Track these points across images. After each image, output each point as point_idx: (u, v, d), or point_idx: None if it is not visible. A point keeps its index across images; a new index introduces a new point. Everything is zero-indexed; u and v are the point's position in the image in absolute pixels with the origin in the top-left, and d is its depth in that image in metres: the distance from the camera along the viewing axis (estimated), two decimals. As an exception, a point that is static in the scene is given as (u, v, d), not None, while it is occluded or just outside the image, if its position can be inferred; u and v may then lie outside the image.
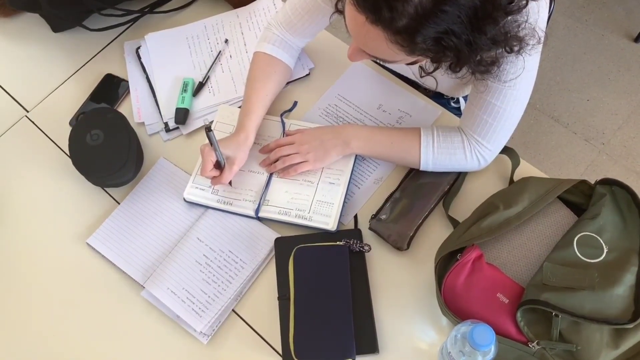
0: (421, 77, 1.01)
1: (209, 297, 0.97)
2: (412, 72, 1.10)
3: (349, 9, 0.74)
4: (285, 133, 1.10)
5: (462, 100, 1.28)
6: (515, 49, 0.78)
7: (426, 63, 0.98)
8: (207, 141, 0.98)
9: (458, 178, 1.03)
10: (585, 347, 0.82)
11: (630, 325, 0.79)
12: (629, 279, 0.83)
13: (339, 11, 0.89)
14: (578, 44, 2.22)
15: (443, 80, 1.05)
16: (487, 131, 0.96)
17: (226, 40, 1.18)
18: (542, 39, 0.83)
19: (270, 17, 1.21)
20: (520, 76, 0.87)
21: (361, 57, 0.84)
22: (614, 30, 2.24)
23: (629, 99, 2.10)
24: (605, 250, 0.86)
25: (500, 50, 0.77)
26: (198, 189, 1.05)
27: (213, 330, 0.96)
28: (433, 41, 0.70)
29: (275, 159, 1.05)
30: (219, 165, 1.02)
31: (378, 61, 0.88)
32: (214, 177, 1.02)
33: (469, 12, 0.68)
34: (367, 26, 0.72)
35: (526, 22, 0.77)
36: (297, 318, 0.93)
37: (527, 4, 0.74)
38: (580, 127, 2.06)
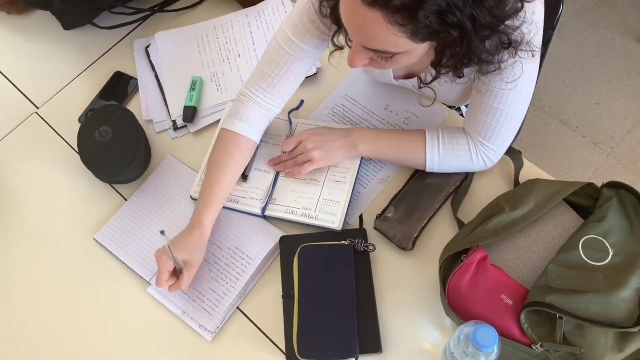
0: (420, 88, 1.01)
1: (218, 295, 0.98)
2: (411, 85, 1.08)
3: None
4: (292, 133, 1.10)
5: (462, 108, 1.28)
6: (514, 39, 0.78)
7: (426, 74, 0.98)
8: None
9: (465, 179, 1.03)
10: (590, 350, 0.81)
11: (635, 329, 0.79)
12: (635, 282, 0.82)
13: (334, 42, 0.89)
14: (588, 47, 2.21)
15: (443, 92, 1.04)
16: (491, 134, 0.96)
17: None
18: (538, 48, 0.84)
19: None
20: (521, 78, 0.87)
21: (362, 60, 0.81)
22: (625, 33, 2.23)
23: (639, 103, 2.09)
24: (611, 254, 0.86)
25: (501, 35, 0.76)
26: (205, 187, 1.05)
27: (217, 327, 0.96)
28: (435, 16, 0.68)
29: (286, 159, 1.05)
30: (174, 272, 0.95)
31: (380, 67, 0.84)
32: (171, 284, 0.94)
33: None
34: (364, 10, 0.69)
35: (520, 25, 0.78)
36: (301, 316, 0.93)
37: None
38: (588, 130, 2.05)
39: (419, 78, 0.99)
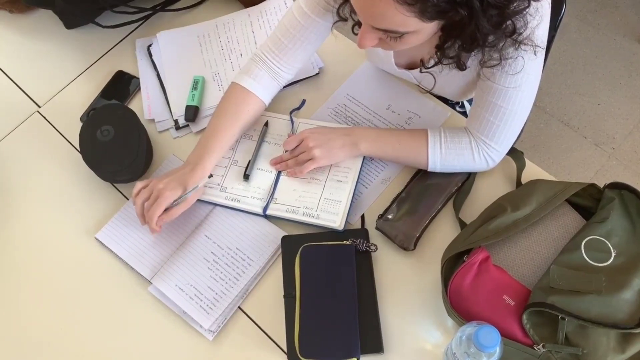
0: (421, 72, 1.01)
1: (216, 294, 0.98)
2: (413, 77, 1.09)
3: None
4: (294, 133, 1.10)
5: (467, 105, 1.28)
6: (519, 29, 0.78)
7: (430, 59, 0.99)
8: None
9: (467, 180, 1.03)
10: (592, 351, 0.81)
11: (638, 330, 0.79)
12: (637, 283, 0.82)
13: (339, 14, 0.90)
14: (590, 47, 2.21)
15: (446, 82, 1.04)
16: (494, 132, 0.96)
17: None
18: (543, 44, 0.84)
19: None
20: (524, 78, 0.88)
21: (372, 40, 0.82)
22: (626, 34, 2.23)
23: (641, 104, 2.09)
24: (613, 255, 0.86)
25: (507, 22, 0.77)
26: (206, 187, 1.05)
27: (219, 327, 0.96)
28: None
29: (288, 158, 1.05)
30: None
31: (389, 48, 0.85)
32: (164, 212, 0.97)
33: None
34: None
35: (525, 15, 0.78)
36: (303, 316, 0.93)
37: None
38: (590, 131, 2.05)
39: (422, 61, 1.00)
